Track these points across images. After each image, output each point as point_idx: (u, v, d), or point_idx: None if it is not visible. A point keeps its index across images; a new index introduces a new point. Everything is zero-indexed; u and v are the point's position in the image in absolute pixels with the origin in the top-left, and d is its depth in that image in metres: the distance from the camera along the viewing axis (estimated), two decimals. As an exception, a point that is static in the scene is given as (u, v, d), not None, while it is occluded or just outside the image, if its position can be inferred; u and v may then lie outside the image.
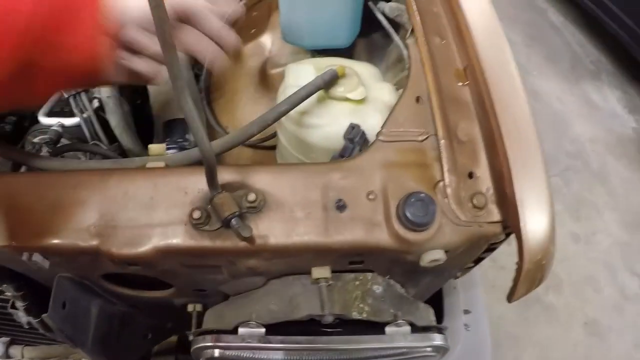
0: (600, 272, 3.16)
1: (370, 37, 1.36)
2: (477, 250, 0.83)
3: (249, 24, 1.49)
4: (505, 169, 0.73)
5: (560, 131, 3.80)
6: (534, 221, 0.71)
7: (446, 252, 0.73)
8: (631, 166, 3.74)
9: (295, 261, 0.78)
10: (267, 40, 1.41)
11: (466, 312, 1.38)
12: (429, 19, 0.96)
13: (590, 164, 3.66)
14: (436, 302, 1.32)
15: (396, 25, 1.15)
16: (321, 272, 0.78)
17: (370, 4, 1.23)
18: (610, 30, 4.21)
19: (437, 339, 0.85)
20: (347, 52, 1.31)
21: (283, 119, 0.94)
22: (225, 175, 0.75)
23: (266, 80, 1.33)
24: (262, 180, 0.75)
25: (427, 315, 0.88)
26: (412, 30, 0.97)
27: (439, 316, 1.32)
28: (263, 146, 1.23)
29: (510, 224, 0.73)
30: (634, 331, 2.97)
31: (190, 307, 0.98)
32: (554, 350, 2.82)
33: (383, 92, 0.99)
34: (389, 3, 1.19)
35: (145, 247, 0.72)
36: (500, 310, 2.80)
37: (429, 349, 0.85)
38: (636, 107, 4.23)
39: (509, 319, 2.82)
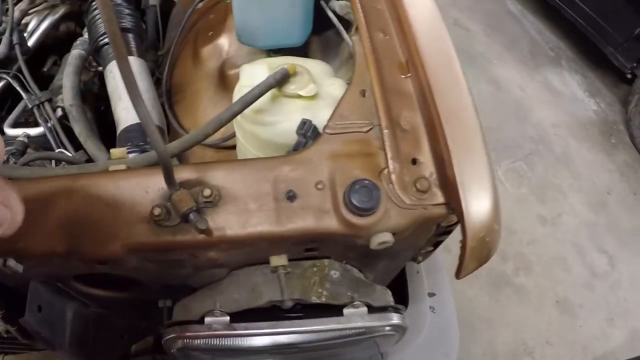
0: (568, 252, 3.24)
1: (325, 34, 1.40)
2: (426, 232, 0.88)
3: (206, 27, 1.52)
4: (445, 154, 0.78)
5: (522, 117, 3.89)
6: (475, 201, 0.75)
7: (394, 234, 0.77)
8: (593, 148, 3.84)
9: (253, 251, 0.82)
10: (224, 42, 1.44)
11: (431, 294, 1.43)
12: (372, 16, 1.00)
13: (554, 148, 3.75)
14: (401, 286, 1.37)
15: (347, 23, 1.18)
16: (279, 260, 0.82)
17: (322, 2, 1.27)
18: (568, 17, 4.32)
19: (395, 318, 0.90)
20: (301, 51, 1.35)
21: (240, 118, 0.97)
22: (183, 174, 0.79)
23: (225, 81, 1.36)
24: (217, 176, 0.79)
25: (383, 297, 0.93)
26: (357, 27, 1.01)
27: (405, 300, 1.37)
28: (224, 146, 1.26)
29: (454, 206, 0.77)
30: (605, 306, 3.06)
31: (160, 303, 1.02)
32: (527, 329, 2.89)
33: (334, 88, 1.03)
34: (339, 1, 1.22)
35: (111, 246, 0.75)
36: (472, 293, 2.88)
37: (387, 328, 0.90)
38: (596, 90, 4.35)
39: (481, 302, 2.89)
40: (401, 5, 0.97)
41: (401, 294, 1.38)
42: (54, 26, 1.55)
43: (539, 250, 3.18)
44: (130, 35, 1.45)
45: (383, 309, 0.90)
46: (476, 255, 0.79)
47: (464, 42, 4.34)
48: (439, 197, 0.79)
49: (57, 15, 1.55)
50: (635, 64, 3.89)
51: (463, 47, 4.25)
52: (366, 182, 0.74)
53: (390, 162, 0.81)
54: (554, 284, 3.09)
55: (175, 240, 0.75)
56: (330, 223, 0.76)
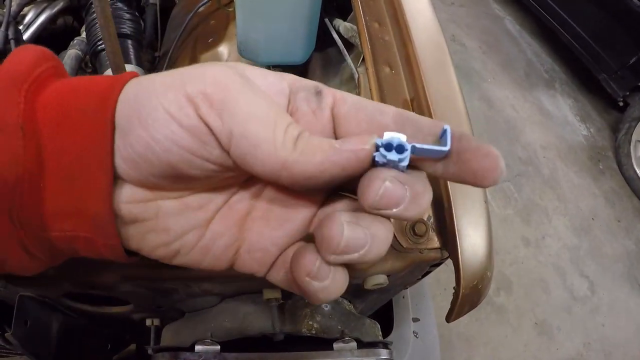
0: (549, 275, 3.26)
1: (325, 52, 1.39)
2: (419, 272, 0.88)
3: (206, 33, 1.50)
4: (445, 199, 0.77)
5: (512, 137, 3.91)
6: (471, 250, 0.75)
7: (388, 276, 0.78)
8: (581, 173, 3.88)
9: (247, 283, 0.82)
10: (224, 50, 1.42)
11: (415, 320, 1.43)
12: (379, 48, 0.99)
13: (542, 170, 3.78)
14: (386, 311, 1.37)
15: (349, 44, 1.18)
16: (272, 293, 0.81)
17: (327, 21, 1.26)
18: (564, 41, 4.36)
19: (383, 354, 0.89)
20: (302, 67, 1.35)
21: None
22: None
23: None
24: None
25: (372, 331, 0.93)
26: (363, 58, 1.00)
27: (389, 325, 1.37)
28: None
29: (449, 251, 0.77)
30: (583, 330, 3.09)
31: (148, 322, 1.01)
32: (504, 349, 2.90)
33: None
34: (344, 23, 1.21)
35: (105, 276, 0.74)
36: (453, 311, 2.89)
37: (375, 362, 0.90)
38: (587, 115, 4.39)
39: (460, 320, 2.87)
40: (410, 41, 0.96)
41: (386, 317, 1.39)
42: (51, 20, 1.51)
43: (520, 271, 3.20)
44: (129, 42, 1.43)
45: (372, 344, 0.90)
46: (468, 301, 0.80)
47: (460, 58, 4.36)
48: (435, 242, 0.79)
49: (55, 9, 1.51)
50: (627, 93, 3.93)
51: (459, 63, 4.27)
52: (366, 225, 0.74)
53: (390, 204, 0.80)
54: (534, 306, 3.11)
55: (171, 273, 0.74)
56: (328, 264, 0.75)
